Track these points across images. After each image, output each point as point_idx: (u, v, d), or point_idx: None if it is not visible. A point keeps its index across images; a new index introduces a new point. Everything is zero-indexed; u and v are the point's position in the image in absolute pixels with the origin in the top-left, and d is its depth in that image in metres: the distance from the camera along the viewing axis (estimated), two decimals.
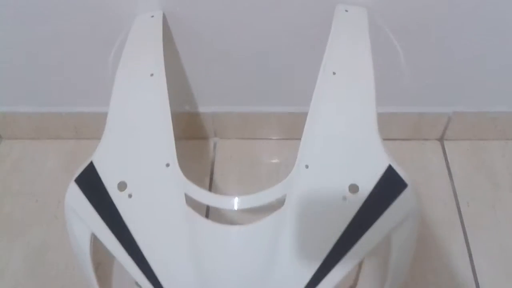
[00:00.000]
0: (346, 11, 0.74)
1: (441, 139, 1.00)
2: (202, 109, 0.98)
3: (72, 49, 0.86)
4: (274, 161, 1.00)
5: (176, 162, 0.62)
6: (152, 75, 0.69)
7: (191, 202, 0.60)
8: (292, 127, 0.99)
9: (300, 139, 0.61)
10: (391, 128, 0.97)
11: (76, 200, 0.63)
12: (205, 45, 0.84)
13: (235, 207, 0.58)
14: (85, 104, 0.97)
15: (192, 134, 1.02)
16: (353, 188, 0.60)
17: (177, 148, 0.61)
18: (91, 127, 1.01)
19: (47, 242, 0.89)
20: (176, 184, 0.61)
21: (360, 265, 0.73)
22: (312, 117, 0.64)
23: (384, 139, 0.95)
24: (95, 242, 0.63)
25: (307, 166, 0.61)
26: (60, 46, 0.85)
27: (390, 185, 0.61)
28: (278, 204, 0.60)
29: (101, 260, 0.71)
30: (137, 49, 0.73)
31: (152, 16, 0.77)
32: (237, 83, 0.91)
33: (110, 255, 0.62)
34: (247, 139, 1.03)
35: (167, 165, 0.62)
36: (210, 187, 0.96)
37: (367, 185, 0.60)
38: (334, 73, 0.66)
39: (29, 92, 0.96)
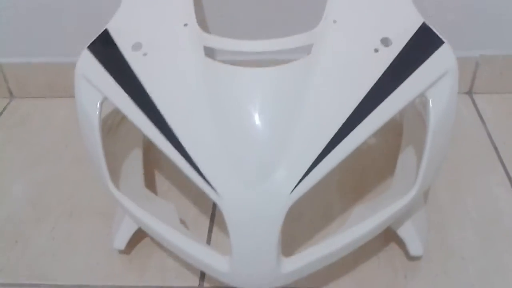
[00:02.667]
0: None
1: (469, 93, 0.95)
2: None
3: None
4: None
5: (194, 22, 0.58)
6: None
7: None
8: None
9: None
10: None
11: (88, 66, 0.60)
12: None
13: (259, 50, 0.54)
14: None
15: None
16: (386, 41, 0.56)
17: None
18: None
19: (51, 178, 0.83)
20: (195, 38, 0.57)
21: None
22: None
23: None
24: None
25: (335, 21, 0.57)
26: None
27: (425, 41, 0.57)
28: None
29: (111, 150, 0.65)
30: None
31: None
32: None
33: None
34: None
35: (185, 25, 0.59)
36: None
37: (400, 39, 0.56)
38: None
39: (42, 42, 0.95)
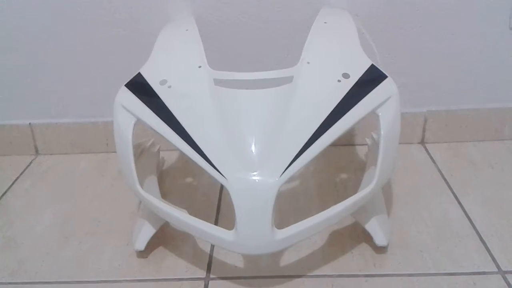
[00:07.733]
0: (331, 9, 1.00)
1: (422, 143, 1.16)
2: None
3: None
4: None
5: (206, 63, 0.79)
6: (187, 30, 0.90)
7: None
8: None
9: None
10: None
11: (125, 97, 0.79)
12: None
13: (255, 78, 0.74)
14: None
15: None
16: (346, 75, 0.77)
17: None
18: None
19: (76, 208, 0.97)
20: (207, 74, 0.77)
21: None
22: (312, 36, 0.83)
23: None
24: None
25: (308, 63, 0.78)
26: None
27: (374, 75, 0.78)
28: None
29: None
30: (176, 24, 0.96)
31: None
32: None
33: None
34: None
35: (199, 66, 0.79)
36: None
37: (356, 73, 0.77)
38: (325, 22, 0.89)
39: (67, 105, 1.15)
